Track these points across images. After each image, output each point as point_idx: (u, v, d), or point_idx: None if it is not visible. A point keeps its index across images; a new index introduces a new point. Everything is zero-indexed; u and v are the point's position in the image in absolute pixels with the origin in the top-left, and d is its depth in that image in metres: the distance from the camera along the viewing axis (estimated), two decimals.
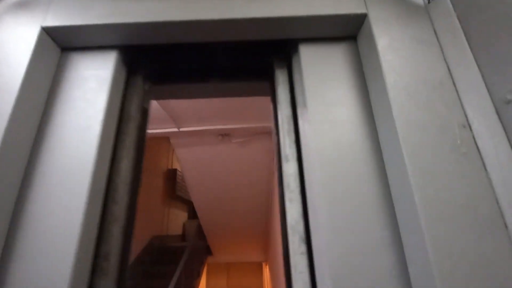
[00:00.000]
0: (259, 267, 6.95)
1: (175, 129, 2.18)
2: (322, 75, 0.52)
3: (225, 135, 2.26)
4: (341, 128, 0.49)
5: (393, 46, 0.48)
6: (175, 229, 6.18)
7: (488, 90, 0.42)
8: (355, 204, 0.45)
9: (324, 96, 0.51)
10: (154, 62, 0.63)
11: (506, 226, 0.38)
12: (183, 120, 2.09)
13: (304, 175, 0.53)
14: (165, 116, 1.99)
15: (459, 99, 0.45)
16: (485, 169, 0.41)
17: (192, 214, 6.06)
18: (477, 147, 0.42)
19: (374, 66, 0.49)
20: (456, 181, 0.41)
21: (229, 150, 2.55)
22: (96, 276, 0.45)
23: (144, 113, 0.60)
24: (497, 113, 0.41)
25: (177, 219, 6.46)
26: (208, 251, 5.87)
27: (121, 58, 0.56)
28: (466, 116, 0.44)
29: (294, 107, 0.59)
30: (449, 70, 0.46)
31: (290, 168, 0.54)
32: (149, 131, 2.28)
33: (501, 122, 0.41)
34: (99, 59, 0.54)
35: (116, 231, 0.48)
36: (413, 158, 0.42)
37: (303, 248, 0.50)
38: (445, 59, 0.46)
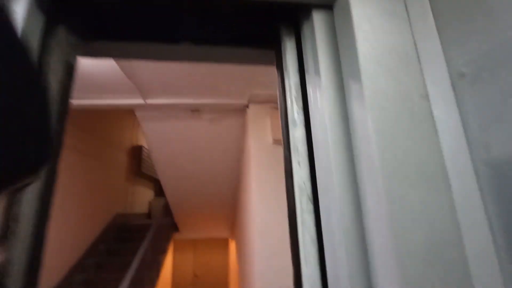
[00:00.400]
0: (225, 243, 7.14)
1: (141, 101, 2.06)
2: (333, 42, 0.55)
3: (195, 110, 2.20)
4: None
5: (367, 17, 0.49)
6: (141, 207, 6.04)
7: (447, 63, 0.45)
8: (363, 165, 0.48)
9: (335, 63, 0.53)
10: (95, 14, 0.59)
11: (448, 182, 0.43)
12: (149, 92, 1.98)
13: (312, 140, 0.57)
14: (130, 87, 1.87)
15: (421, 70, 0.48)
16: (437, 135, 0.45)
17: (159, 192, 5.95)
18: (432, 116, 0.46)
19: (348, 35, 0.50)
20: (412, 145, 0.45)
21: (199, 127, 2.50)
22: (6, 239, 0.45)
23: (69, 68, 0.57)
24: (452, 85, 0.45)
25: (143, 197, 6.30)
26: (174, 228, 5.85)
27: (38, 4, 0.51)
28: (425, 86, 0.48)
29: (301, 75, 0.62)
30: (414, 42, 0.48)
31: (298, 133, 0.59)
32: (111, 101, 2.14)
33: (454, 93, 0.45)
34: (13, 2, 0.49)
35: (29, 196, 0.47)
36: (378, 124, 0.45)
37: (310, 207, 0.56)
38: (412, 32, 0.49)
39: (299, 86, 0.62)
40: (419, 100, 0.47)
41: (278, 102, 0.67)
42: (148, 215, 6.17)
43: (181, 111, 2.23)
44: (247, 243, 2.77)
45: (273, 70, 0.74)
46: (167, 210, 5.06)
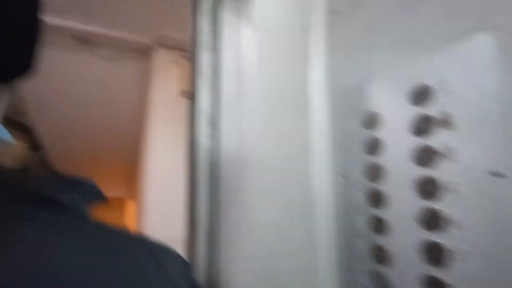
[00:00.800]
0: (121, 202, 6.68)
1: None
2: None
3: (85, 40, 1.81)
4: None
5: None
6: (11, 161, 4.89)
7: (327, 0, 0.49)
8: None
9: None
10: None
11: (310, 109, 0.50)
12: None
13: (223, 64, 0.57)
14: None
15: (306, 4, 0.51)
16: (308, 66, 0.51)
17: (35, 144, 4.91)
18: (308, 48, 0.51)
19: None
20: (289, 73, 0.50)
21: (90, 64, 2.10)
22: None
23: None
24: (328, 21, 0.49)
25: (14, 150, 5.10)
26: None
27: None
28: (309, 20, 0.51)
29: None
30: None
31: (208, 57, 0.58)
32: None
33: (329, 28, 0.49)
34: None
35: None
36: (264, 49, 0.48)
37: (212, 132, 0.57)
38: None
39: (212, 9, 0.60)
40: (301, 33, 0.50)
41: (190, 24, 0.64)
42: (22, 171, 5.08)
43: (65, 38, 1.80)
44: (144, 199, 2.64)
45: (185, 12, 0.68)
46: (47, 165, 4.25)
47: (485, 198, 0.34)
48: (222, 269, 0.52)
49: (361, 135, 0.49)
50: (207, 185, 0.58)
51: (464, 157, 0.37)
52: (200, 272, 0.54)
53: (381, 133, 0.46)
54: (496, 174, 0.34)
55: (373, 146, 0.47)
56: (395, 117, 0.45)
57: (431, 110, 0.40)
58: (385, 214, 0.46)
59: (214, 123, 0.58)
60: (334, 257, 0.53)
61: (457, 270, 0.37)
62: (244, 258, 0.49)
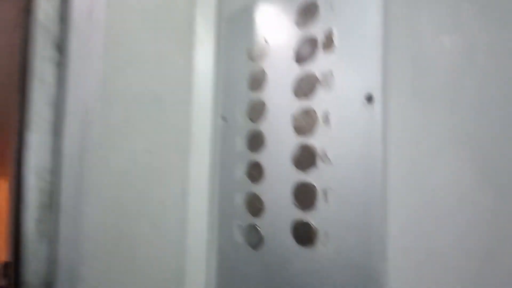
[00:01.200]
0: None
1: None
2: None
3: None
4: None
5: None
6: None
7: None
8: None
9: None
10: None
11: (192, 36, 0.42)
12: None
13: None
14: None
15: None
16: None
17: None
18: None
19: None
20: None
21: None
22: None
23: None
24: None
25: None
26: None
27: None
28: None
29: None
30: None
31: None
32: None
33: None
34: None
35: None
36: None
37: (55, 55, 0.42)
38: None
39: None
40: None
41: None
42: None
43: None
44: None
45: None
46: None
47: (356, 127, 0.31)
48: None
49: (246, 69, 0.42)
50: (50, 131, 0.42)
51: (340, 82, 0.32)
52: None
53: (266, 64, 0.40)
54: (370, 99, 0.30)
55: (258, 81, 0.41)
56: (281, 43, 0.38)
57: (315, 32, 0.35)
58: (263, 157, 0.40)
59: (60, 46, 0.42)
60: (209, 212, 0.46)
61: (321, 211, 0.33)
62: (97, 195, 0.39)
